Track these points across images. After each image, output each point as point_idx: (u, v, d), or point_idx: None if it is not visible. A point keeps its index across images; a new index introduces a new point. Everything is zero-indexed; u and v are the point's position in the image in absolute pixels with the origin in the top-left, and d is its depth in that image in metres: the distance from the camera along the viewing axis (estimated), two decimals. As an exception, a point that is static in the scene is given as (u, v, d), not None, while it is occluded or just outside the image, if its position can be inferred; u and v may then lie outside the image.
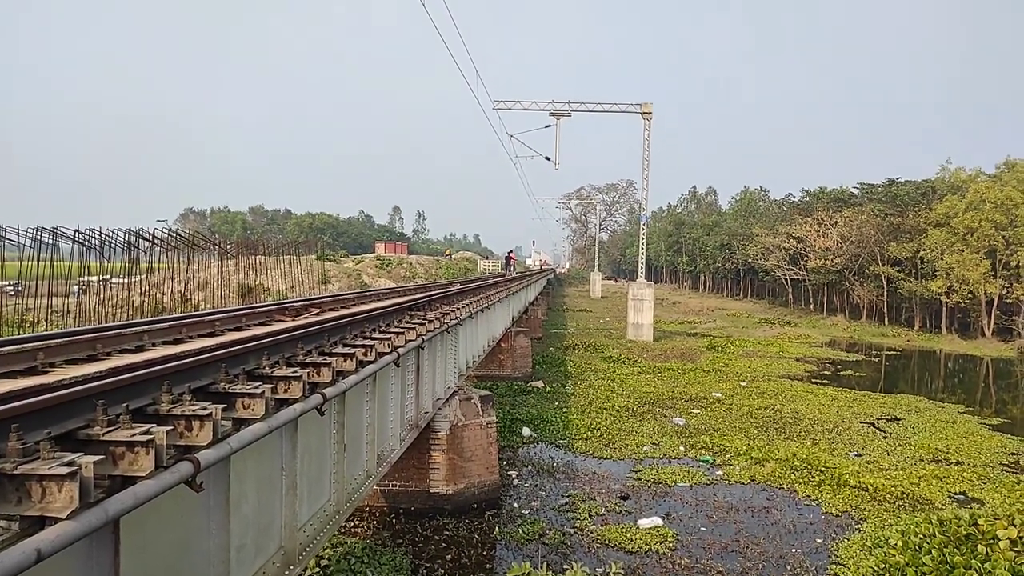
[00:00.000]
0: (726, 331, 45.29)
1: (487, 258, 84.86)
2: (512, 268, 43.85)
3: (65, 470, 2.47)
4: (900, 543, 10.33)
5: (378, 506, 12.14)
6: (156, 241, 14.91)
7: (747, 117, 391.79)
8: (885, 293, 50.97)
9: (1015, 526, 9.77)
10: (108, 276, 16.43)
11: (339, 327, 6.41)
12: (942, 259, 44.19)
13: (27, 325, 15.37)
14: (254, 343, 4.73)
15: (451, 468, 12.29)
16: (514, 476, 14.30)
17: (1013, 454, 17.18)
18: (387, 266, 59.04)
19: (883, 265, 50.08)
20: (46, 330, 8.34)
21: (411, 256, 70.97)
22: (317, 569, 9.43)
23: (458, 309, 11.96)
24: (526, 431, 17.73)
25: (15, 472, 2.48)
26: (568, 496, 13.11)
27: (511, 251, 48.58)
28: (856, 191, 60.33)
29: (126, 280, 16.05)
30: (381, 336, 7.00)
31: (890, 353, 38.51)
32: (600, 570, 9.89)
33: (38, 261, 11.38)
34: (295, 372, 4.51)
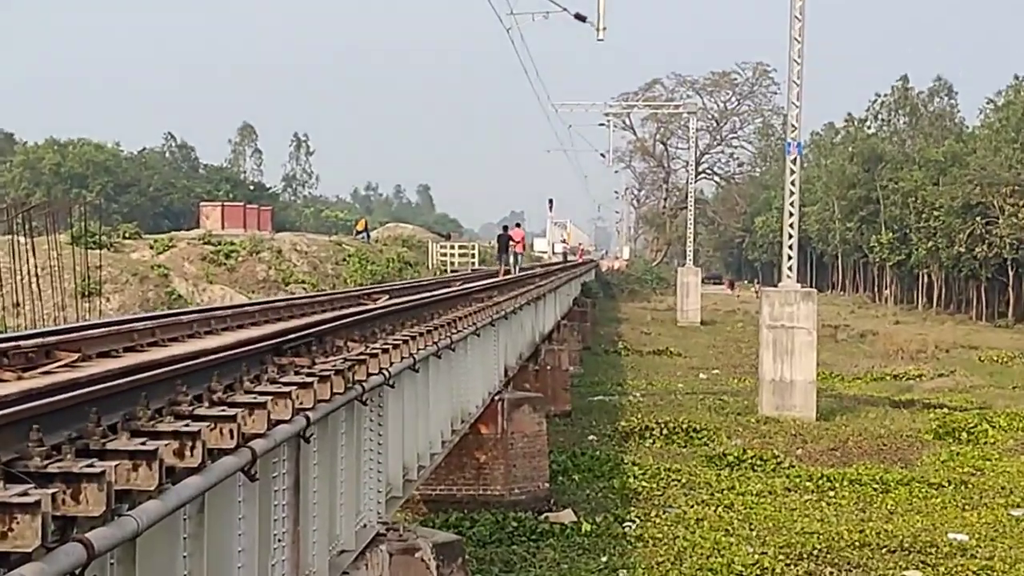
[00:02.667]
0: (977, 395, 45.39)
1: (447, 237, 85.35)
2: (514, 258, 44.13)
3: None
4: None
5: None
6: None
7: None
8: None
9: None
10: None
11: (122, 392, 6.41)
12: None
13: None
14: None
15: None
16: None
17: None
18: (228, 255, 59.14)
19: None
20: None
21: (282, 234, 71.18)
22: None
23: (384, 351, 11.99)
24: (538, 622, 17.78)
25: None
26: None
27: (517, 224, 49.02)
28: None
29: None
30: (214, 413, 7.01)
31: None
32: None
33: None
34: (25, 496, 4.50)
